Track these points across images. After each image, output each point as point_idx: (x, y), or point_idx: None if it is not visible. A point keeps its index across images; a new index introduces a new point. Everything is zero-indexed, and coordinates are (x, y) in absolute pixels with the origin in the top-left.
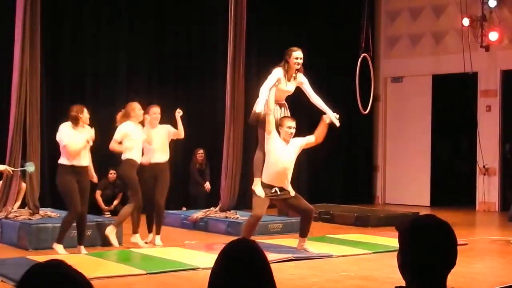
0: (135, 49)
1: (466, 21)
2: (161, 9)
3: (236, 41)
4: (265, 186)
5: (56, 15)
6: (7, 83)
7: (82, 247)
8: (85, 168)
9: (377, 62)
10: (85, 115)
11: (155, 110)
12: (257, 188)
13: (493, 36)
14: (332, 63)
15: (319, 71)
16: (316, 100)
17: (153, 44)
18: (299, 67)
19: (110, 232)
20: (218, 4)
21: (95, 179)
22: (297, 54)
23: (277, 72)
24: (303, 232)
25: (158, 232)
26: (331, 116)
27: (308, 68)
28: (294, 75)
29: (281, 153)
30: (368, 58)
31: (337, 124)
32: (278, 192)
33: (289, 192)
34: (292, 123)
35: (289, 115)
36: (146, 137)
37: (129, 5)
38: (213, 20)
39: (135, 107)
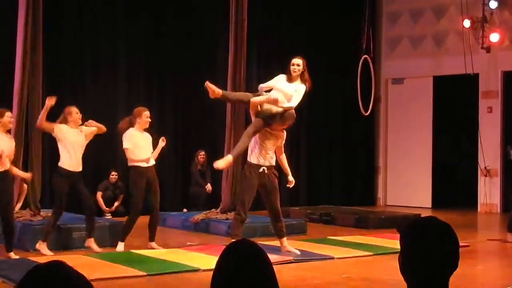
0: (134, 52)
1: (467, 23)
2: (161, 5)
3: (237, 44)
4: (253, 166)
5: (56, 15)
6: (9, 84)
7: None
8: None
9: (378, 63)
10: (5, 119)
11: (147, 114)
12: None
13: (494, 37)
14: (333, 64)
15: (320, 72)
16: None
17: (153, 44)
18: (295, 73)
19: (38, 246)
20: (219, 4)
21: (26, 176)
22: (293, 61)
23: (279, 76)
24: (280, 233)
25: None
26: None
27: (309, 69)
28: (297, 81)
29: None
30: (369, 60)
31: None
32: (266, 171)
33: (276, 174)
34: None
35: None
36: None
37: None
38: (214, 21)
39: (72, 111)
